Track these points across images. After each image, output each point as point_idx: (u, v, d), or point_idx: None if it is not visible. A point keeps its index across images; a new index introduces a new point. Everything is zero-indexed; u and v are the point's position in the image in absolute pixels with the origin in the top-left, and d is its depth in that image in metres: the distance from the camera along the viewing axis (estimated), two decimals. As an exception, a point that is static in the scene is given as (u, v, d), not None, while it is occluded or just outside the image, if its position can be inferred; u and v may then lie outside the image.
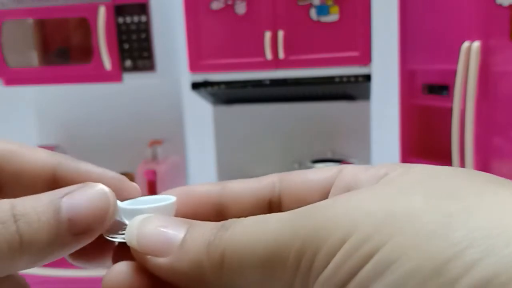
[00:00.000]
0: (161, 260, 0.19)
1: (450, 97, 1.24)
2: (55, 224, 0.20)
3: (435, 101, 1.37)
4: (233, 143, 1.83)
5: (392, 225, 0.16)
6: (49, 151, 0.24)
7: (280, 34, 1.53)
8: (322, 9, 1.51)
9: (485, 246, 0.14)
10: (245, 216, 0.19)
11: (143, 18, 1.58)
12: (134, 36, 1.59)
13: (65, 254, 0.21)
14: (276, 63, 1.55)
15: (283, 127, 1.83)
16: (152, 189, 1.67)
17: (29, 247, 0.19)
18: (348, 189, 0.21)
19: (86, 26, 1.60)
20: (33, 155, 0.23)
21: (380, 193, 0.18)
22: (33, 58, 1.74)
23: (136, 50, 1.60)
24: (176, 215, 0.22)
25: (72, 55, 1.74)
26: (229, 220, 0.19)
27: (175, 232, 0.20)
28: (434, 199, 0.16)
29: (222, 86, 1.61)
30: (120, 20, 1.58)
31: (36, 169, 0.23)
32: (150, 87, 1.81)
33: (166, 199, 0.22)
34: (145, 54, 1.59)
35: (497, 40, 1.17)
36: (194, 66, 1.60)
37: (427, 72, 1.41)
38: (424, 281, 0.14)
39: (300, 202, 0.22)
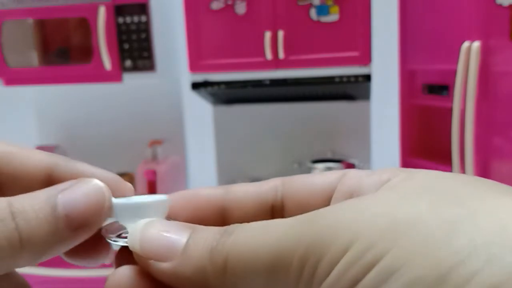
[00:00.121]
0: (164, 265, 0.19)
1: (450, 97, 1.24)
2: (53, 221, 0.20)
3: (435, 101, 1.37)
4: (233, 143, 1.83)
5: (395, 233, 0.16)
6: (46, 152, 0.24)
7: (280, 34, 1.53)
8: (322, 9, 1.51)
9: (489, 254, 0.14)
10: (248, 220, 0.19)
11: (143, 18, 1.58)
12: (134, 36, 1.59)
13: (64, 249, 0.21)
14: (276, 63, 1.55)
15: (283, 127, 1.83)
16: (152, 189, 1.67)
17: (29, 244, 0.19)
18: (351, 194, 0.21)
19: (86, 26, 1.60)
20: (30, 156, 0.23)
21: (383, 200, 0.18)
22: (33, 58, 1.74)
23: (136, 50, 1.60)
24: (179, 219, 0.22)
25: (72, 55, 1.74)
26: (232, 225, 0.19)
27: (177, 236, 0.20)
28: (437, 205, 0.16)
29: (222, 86, 1.61)
30: (120, 20, 1.58)
31: (33, 170, 0.23)
32: (150, 87, 1.81)
33: (159, 197, 0.22)
34: (145, 54, 1.59)
35: (497, 40, 1.17)
36: (194, 66, 1.60)
37: (427, 72, 1.41)
38: None
39: (303, 206, 0.22)
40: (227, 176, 1.81)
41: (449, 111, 1.23)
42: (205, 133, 1.75)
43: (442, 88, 1.34)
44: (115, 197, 0.22)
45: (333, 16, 1.51)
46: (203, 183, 1.76)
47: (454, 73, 1.21)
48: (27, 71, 1.70)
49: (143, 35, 1.59)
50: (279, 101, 1.77)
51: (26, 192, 0.21)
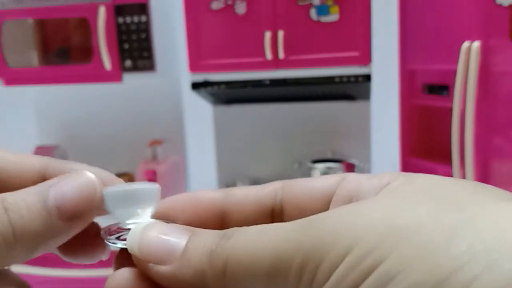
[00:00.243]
0: (163, 268, 0.19)
1: (450, 97, 1.24)
2: (45, 213, 0.20)
3: (435, 101, 1.37)
4: (233, 143, 1.83)
5: (395, 238, 0.16)
6: (38, 156, 0.24)
7: (280, 34, 1.53)
8: (322, 9, 1.51)
9: (487, 260, 0.14)
10: (248, 224, 0.19)
11: (143, 18, 1.58)
12: (134, 36, 1.59)
13: (59, 241, 0.21)
14: (276, 63, 1.55)
15: (283, 127, 1.83)
16: (152, 189, 1.67)
17: (22, 237, 0.20)
18: (350, 197, 0.21)
19: (86, 26, 1.60)
20: (23, 160, 0.24)
21: (383, 204, 0.18)
22: (33, 58, 1.74)
23: (136, 50, 1.60)
24: (178, 222, 0.22)
25: (72, 55, 1.74)
26: (231, 229, 0.19)
27: (177, 239, 0.20)
28: (437, 211, 0.16)
29: (222, 86, 1.61)
30: (120, 20, 1.58)
31: (27, 174, 0.23)
32: (150, 87, 1.81)
33: (150, 186, 0.22)
34: (145, 54, 1.59)
35: (497, 40, 1.17)
36: (194, 66, 1.60)
37: (427, 72, 1.41)
38: None
39: (302, 210, 0.22)
40: (227, 176, 1.81)
41: (449, 111, 1.23)
42: (205, 133, 1.75)
43: (442, 88, 1.34)
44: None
45: (333, 16, 1.51)
46: (203, 183, 1.76)
47: (454, 73, 1.21)
48: (27, 71, 1.70)
49: (143, 35, 1.59)
50: (279, 101, 1.77)
51: None
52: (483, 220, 0.16)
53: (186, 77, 1.63)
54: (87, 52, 1.62)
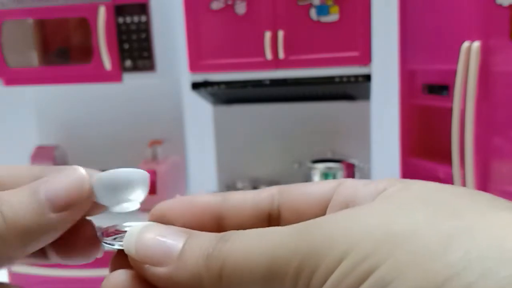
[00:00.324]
0: (160, 270, 0.19)
1: (450, 97, 1.24)
2: (36, 205, 0.20)
3: (435, 101, 1.37)
4: (233, 143, 1.83)
5: (391, 244, 0.16)
6: (31, 166, 0.24)
7: (280, 34, 1.53)
8: (322, 9, 1.51)
9: (483, 268, 0.14)
10: (244, 228, 0.19)
11: (143, 18, 1.58)
12: (134, 36, 1.59)
13: (52, 235, 0.21)
14: (276, 63, 1.55)
15: (283, 127, 1.83)
16: (152, 189, 1.67)
17: (15, 229, 0.20)
18: (346, 203, 0.21)
19: (86, 26, 1.60)
20: (16, 171, 0.24)
21: (379, 210, 0.18)
22: (33, 58, 1.74)
23: (136, 50, 1.60)
24: (177, 225, 0.22)
25: (72, 55, 1.74)
26: (229, 232, 0.19)
27: (173, 241, 0.20)
28: (434, 218, 0.16)
29: (222, 86, 1.61)
30: (120, 20, 1.58)
31: (21, 184, 0.24)
32: (150, 87, 1.81)
33: (139, 175, 0.22)
34: (145, 54, 1.59)
35: (497, 40, 1.17)
36: (194, 66, 1.60)
37: (427, 72, 1.41)
38: None
39: (299, 215, 0.22)
40: (227, 176, 1.81)
41: (449, 111, 1.23)
42: (205, 133, 1.75)
43: (442, 88, 1.34)
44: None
45: (333, 16, 1.51)
46: (203, 183, 1.76)
47: (454, 73, 1.21)
48: (27, 71, 1.70)
49: (143, 35, 1.59)
50: (279, 101, 1.77)
51: None
52: (479, 228, 0.16)
53: (186, 77, 1.63)
54: (87, 52, 1.62)
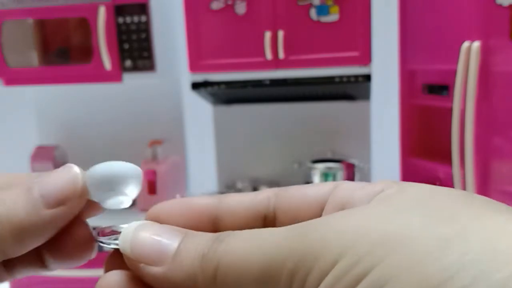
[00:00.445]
0: (155, 269, 0.19)
1: (450, 97, 1.24)
2: (29, 201, 0.21)
3: (435, 101, 1.37)
4: (233, 143, 1.83)
5: (385, 247, 0.16)
6: (27, 173, 0.24)
7: (280, 34, 1.53)
8: (322, 9, 1.51)
9: (477, 271, 0.14)
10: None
11: (143, 18, 1.58)
12: (134, 36, 1.59)
13: (47, 231, 0.21)
14: (276, 63, 1.55)
15: (283, 127, 1.83)
16: (152, 189, 1.67)
17: (10, 225, 0.20)
18: (342, 205, 0.21)
19: (86, 26, 1.60)
20: (13, 178, 0.24)
21: (375, 213, 0.18)
22: (33, 58, 1.74)
23: (136, 50, 1.60)
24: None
25: (72, 55, 1.74)
26: (224, 233, 0.19)
27: (169, 241, 0.20)
28: (429, 222, 0.16)
29: (222, 86, 1.61)
30: (120, 20, 1.58)
31: None
32: (150, 87, 1.81)
33: (133, 171, 0.22)
34: (145, 54, 1.59)
35: (497, 40, 1.17)
36: (194, 66, 1.60)
37: (427, 72, 1.41)
38: None
39: (295, 217, 0.22)
40: (227, 176, 1.81)
41: (449, 111, 1.23)
42: (205, 133, 1.75)
43: (442, 88, 1.34)
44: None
45: (333, 16, 1.51)
46: (203, 183, 1.76)
47: (454, 73, 1.21)
48: (27, 71, 1.70)
49: (143, 35, 1.59)
50: (279, 101, 1.77)
51: None
52: (473, 231, 0.16)
53: (186, 77, 1.63)
54: (87, 52, 1.62)
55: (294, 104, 1.78)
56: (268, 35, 1.53)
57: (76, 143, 1.94)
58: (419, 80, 1.43)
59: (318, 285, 0.16)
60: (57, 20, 1.71)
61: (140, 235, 0.20)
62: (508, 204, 0.18)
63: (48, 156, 1.81)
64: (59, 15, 1.63)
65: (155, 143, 1.77)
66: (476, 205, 0.17)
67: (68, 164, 0.22)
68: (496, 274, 0.14)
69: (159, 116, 1.88)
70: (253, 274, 0.18)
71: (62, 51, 1.76)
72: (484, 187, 1.22)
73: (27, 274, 0.23)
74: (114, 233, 0.22)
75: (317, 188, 0.22)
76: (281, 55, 1.54)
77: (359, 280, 0.16)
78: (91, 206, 0.23)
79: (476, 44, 1.18)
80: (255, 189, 1.72)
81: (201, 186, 1.77)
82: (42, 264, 0.23)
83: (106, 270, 0.21)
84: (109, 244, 0.21)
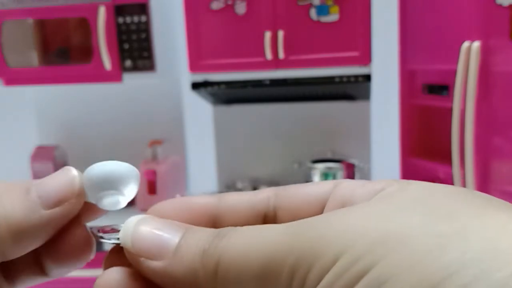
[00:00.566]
0: (155, 264, 0.19)
1: (450, 97, 1.24)
2: (27, 202, 0.21)
3: (435, 101, 1.37)
4: (233, 143, 1.83)
5: (386, 245, 0.16)
6: (24, 180, 0.24)
7: (280, 34, 1.53)
8: (322, 9, 1.51)
9: (478, 269, 0.14)
10: None
11: (143, 18, 1.58)
12: (134, 36, 1.59)
13: (45, 232, 0.21)
14: (276, 63, 1.55)
15: (283, 127, 1.83)
16: (152, 189, 1.67)
17: (7, 224, 0.20)
18: (343, 203, 0.21)
19: (86, 26, 1.60)
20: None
21: (375, 211, 0.18)
22: (33, 58, 1.74)
23: (136, 50, 1.60)
24: None
25: (72, 55, 1.74)
26: (225, 228, 0.19)
27: (170, 236, 0.20)
28: (430, 219, 0.16)
29: (222, 86, 1.61)
30: (120, 20, 1.58)
31: None
32: (150, 87, 1.81)
33: (130, 172, 0.22)
34: (145, 54, 1.59)
35: (497, 40, 1.17)
36: (194, 66, 1.60)
37: (427, 72, 1.41)
38: None
39: (295, 216, 0.22)
40: (227, 176, 1.81)
41: (449, 111, 1.23)
42: (205, 133, 1.75)
43: (442, 88, 1.34)
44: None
45: (333, 16, 1.51)
46: (203, 183, 1.76)
47: (454, 73, 1.21)
48: (27, 71, 1.70)
49: (143, 35, 1.59)
50: (279, 101, 1.77)
51: None
52: (473, 230, 0.16)
53: (186, 77, 1.63)
54: (87, 52, 1.62)
55: (294, 104, 1.78)
56: (268, 35, 1.53)
57: (76, 143, 1.94)
58: (419, 80, 1.43)
59: (319, 282, 0.16)
60: (57, 20, 1.71)
61: (141, 229, 0.20)
62: (508, 204, 0.18)
63: (48, 156, 1.81)
64: (59, 15, 1.63)
65: (155, 143, 1.77)
66: (476, 203, 0.17)
67: (66, 167, 0.22)
68: (497, 274, 0.14)
69: (159, 116, 1.88)
70: (254, 270, 0.18)
71: (62, 51, 1.76)
72: (484, 187, 1.22)
73: (28, 283, 0.23)
74: (114, 231, 0.22)
75: (317, 187, 0.22)
76: (281, 55, 1.54)
77: (359, 277, 0.16)
78: (90, 209, 0.23)
79: (476, 44, 1.18)
80: (255, 189, 1.71)
81: (201, 186, 1.77)
82: (42, 271, 0.23)
83: (106, 267, 0.21)
84: (109, 239, 0.21)
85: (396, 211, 0.17)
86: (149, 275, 0.20)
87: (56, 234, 0.22)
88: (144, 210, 1.76)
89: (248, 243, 0.18)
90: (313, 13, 1.51)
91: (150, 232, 0.20)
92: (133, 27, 1.58)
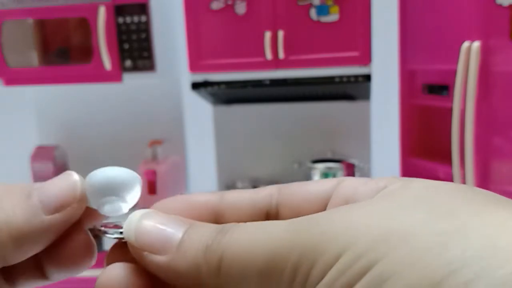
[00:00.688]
0: (158, 258, 0.19)
1: (450, 97, 1.24)
2: (28, 207, 0.21)
3: (435, 101, 1.37)
4: (233, 143, 1.83)
5: (389, 242, 0.16)
6: (25, 183, 0.24)
7: (280, 34, 1.53)
8: (322, 9, 1.51)
9: (479, 267, 0.14)
10: None
11: (143, 18, 1.58)
12: (134, 36, 1.59)
13: (47, 237, 0.21)
14: (276, 63, 1.55)
15: (283, 127, 1.83)
16: (152, 189, 1.67)
17: (8, 229, 0.20)
18: (346, 201, 0.21)
19: (86, 26, 1.60)
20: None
21: (379, 208, 0.18)
22: (33, 58, 1.74)
23: (136, 50, 1.60)
24: None
25: (72, 55, 1.74)
26: (228, 224, 0.19)
27: (173, 230, 0.20)
28: (431, 217, 0.16)
29: (222, 86, 1.61)
30: (120, 20, 1.58)
31: None
32: (150, 87, 1.81)
33: (131, 179, 0.22)
34: (145, 54, 1.59)
35: (497, 40, 1.17)
36: (194, 66, 1.60)
37: (427, 72, 1.41)
38: None
39: (298, 214, 0.22)
40: (227, 176, 1.81)
41: (449, 111, 1.23)
42: (205, 133, 1.75)
43: (442, 88, 1.34)
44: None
45: (333, 16, 1.51)
46: (203, 183, 1.76)
47: (454, 73, 1.21)
48: (27, 71, 1.70)
49: (143, 35, 1.59)
50: (279, 101, 1.77)
51: None
52: (477, 227, 0.16)
53: (186, 77, 1.63)
54: (87, 52, 1.62)
55: (294, 104, 1.78)
56: (268, 35, 1.53)
57: (76, 143, 1.94)
58: (419, 80, 1.43)
59: (322, 278, 0.17)
60: (57, 20, 1.71)
61: (144, 223, 0.20)
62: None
63: (48, 156, 1.81)
64: (59, 15, 1.63)
65: (155, 143, 1.77)
66: (477, 200, 0.17)
67: (68, 171, 0.22)
68: (498, 271, 0.14)
69: (159, 116, 1.88)
70: (257, 266, 0.18)
71: (62, 51, 1.76)
72: (484, 187, 1.22)
73: (28, 285, 0.23)
74: (117, 227, 0.22)
75: (320, 184, 0.22)
76: (281, 55, 1.54)
77: (362, 274, 0.16)
78: (91, 214, 0.23)
79: (476, 44, 1.18)
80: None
81: (201, 186, 1.77)
82: (43, 275, 0.23)
83: (108, 263, 0.21)
84: (112, 234, 0.21)
85: (398, 209, 0.17)
86: (152, 270, 0.20)
87: (57, 239, 0.22)
88: (144, 210, 1.76)
89: (251, 239, 0.18)
90: (313, 13, 1.51)
91: (154, 226, 0.20)
92: (133, 27, 1.58)
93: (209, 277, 0.18)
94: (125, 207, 0.22)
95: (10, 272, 0.22)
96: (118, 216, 0.22)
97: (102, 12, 1.56)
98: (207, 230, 0.19)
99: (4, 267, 0.21)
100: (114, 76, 1.62)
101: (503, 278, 0.14)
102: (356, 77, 1.53)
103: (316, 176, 1.67)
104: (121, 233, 0.21)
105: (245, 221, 0.21)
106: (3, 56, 1.67)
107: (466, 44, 1.19)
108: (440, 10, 1.32)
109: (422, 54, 1.40)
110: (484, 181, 1.23)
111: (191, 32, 1.58)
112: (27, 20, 1.70)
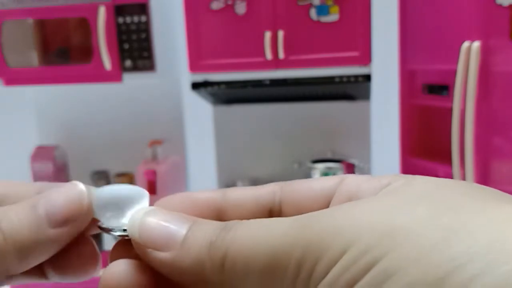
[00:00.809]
0: (162, 255, 0.19)
1: (450, 97, 1.24)
2: (34, 219, 0.21)
3: (435, 101, 1.37)
4: (233, 143, 1.83)
5: (393, 238, 0.16)
6: (32, 183, 0.24)
7: (280, 34, 1.53)
8: (322, 9, 1.51)
9: (484, 262, 0.14)
10: None
11: (143, 18, 1.58)
12: (134, 36, 1.59)
13: (51, 249, 0.21)
14: (276, 63, 1.55)
15: (283, 127, 1.83)
16: (152, 189, 1.67)
17: (14, 244, 0.20)
18: (349, 198, 0.21)
19: (86, 26, 1.60)
20: (19, 187, 0.24)
21: (383, 204, 0.18)
22: (33, 58, 1.74)
23: (136, 50, 1.60)
24: None
25: (72, 55, 1.74)
26: (233, 221, 0.19)
27: (177, 227, 0.20)
28: (436, 213, 0.16)
29: (222, 86, 1.61)
30: (120, 20, 1.58)
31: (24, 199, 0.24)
32: (150, 87, 1.81)
33: (139, 194, 0.22)
34: (145, 54, 1.59)
35: (497, 40, 1.17)
36: (194, 66, 1.60)
37: (427, 72, 1.41)
38: None
39: (301, 211, 0.22)
40: (227, 176, 1.81)
41: (449, 111, 1.23)
42: (205, 133, 1.75)
43: (442, 88, 1.34)
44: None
45: (333, 16, 1.51)
46: (203, 183, 1.76)
47: (454, 73, 1.21)
48: (27, 71, 1.70)
49: (143, 35, 1.59)
50: (279, 101, 1.77)
51: None
52: (481, 222, 0.16)
53: (186, 77, 1.63)
54: (87, 52, 1.62)
55: (294, 104, 1.78)
56: (268, 35, 1.53)
57: (76, 143, 1.94)
58: (419, 80, 1.43)
59: (326, 274, 0.17)
60: (57, 20, 1.71)
61: (148, 220, 0.20)
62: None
63: (48, 156, 1.81)
64: (59, 15, 1.63)
65: (155, 143, 1.77)
66: (480, 196, 0.18)
67: (74, 182, 0.22)
68: (503, 267, 0.14)
69: (159, 116, 1.88)
70: (261, 262, 0.18)
71: (62, 51, 1.76)
72: (484, 187, 1.22)
73: (26, 282, 0.23)
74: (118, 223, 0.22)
75: (323, 182, 0.22)
76: (281, 55, 1.54)
77: (366, 270, 0.16)
78: (94, 222, 0.23)
79: (476, 44, 1.18)
80: (255, 189, 1.71)
81: (201, 186, 1.77)
82: (43, 275, 0.23)
83: (111, 260, 0.21)
84: (116, 231, 0.21)
85: (402, 205, 0.17)
86: (156, 266, 0.20)
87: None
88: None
89: (255, 236, 0.18)
90: (313, 13, 1.51)
91: (157, 223, 0.20)
92: (133, 27, 1.58)
93: (213, 274, 0.18)
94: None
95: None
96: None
97: (102, 12, 1.56)
98: (210, 227, 0.19)
99: None
100: (114, 76, 1.62)
101: (508, 273, 0.14)
102: (356, 77, 1.53)
103: (316, 176, 1.67)
104: (125, 230, 0.21)
105: (248, 218, 0.21)
106: (3, 56, 1.67)
107: (466, 44, 1.19)
108: (440, 10, 1.32)
109: (422, 54, 1.40)
110: (484, 181, 1.23)
111: (191, 32, 1.58)
112: (27, 20, 1.70)
